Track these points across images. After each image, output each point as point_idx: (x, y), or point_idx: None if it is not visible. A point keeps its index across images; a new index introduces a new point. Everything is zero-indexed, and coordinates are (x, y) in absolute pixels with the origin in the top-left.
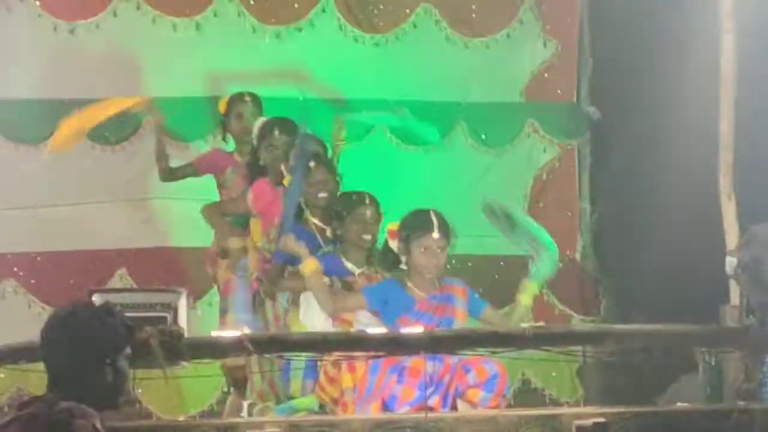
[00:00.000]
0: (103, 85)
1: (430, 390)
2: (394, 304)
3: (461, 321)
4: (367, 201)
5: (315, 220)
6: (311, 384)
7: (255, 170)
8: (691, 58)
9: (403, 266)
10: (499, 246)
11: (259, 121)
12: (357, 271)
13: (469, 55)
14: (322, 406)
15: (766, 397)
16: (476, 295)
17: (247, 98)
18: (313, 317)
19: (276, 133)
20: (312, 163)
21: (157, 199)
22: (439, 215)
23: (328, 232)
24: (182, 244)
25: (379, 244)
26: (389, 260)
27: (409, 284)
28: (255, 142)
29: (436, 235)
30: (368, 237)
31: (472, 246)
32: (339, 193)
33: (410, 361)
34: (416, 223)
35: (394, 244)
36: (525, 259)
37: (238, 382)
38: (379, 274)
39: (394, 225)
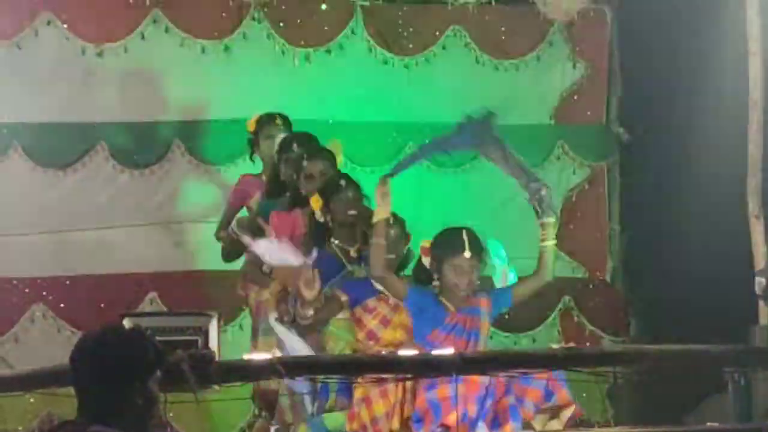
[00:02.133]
0: (131, 109)
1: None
2: (429, 314)
3: (485, 334)
4: (391, 221)
5: (337, 242)
6: (344, 401)
7: (275, 187)
8: (719, 80)
9: (435, 283)
10: (529, 267)
11: (279, 137)
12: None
13: (499, 78)
14: None
15: None
16: (499, 291)
17: (278, 120)
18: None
19: (294, 146)
20: (342, 182)
21: (187, 222)
22: (471, 233)
23: (352, 252)
24: (212, 267)
25: (414, 263)
26: (423, 277)
27: (442, 299)
28: (275, 158)
29: (467, 254)
30: (392, 256)
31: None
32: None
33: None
34: (448, 242)
35: (426, 261)
36: (555, 279)
37: (270, 405)
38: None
39: (426, 242)
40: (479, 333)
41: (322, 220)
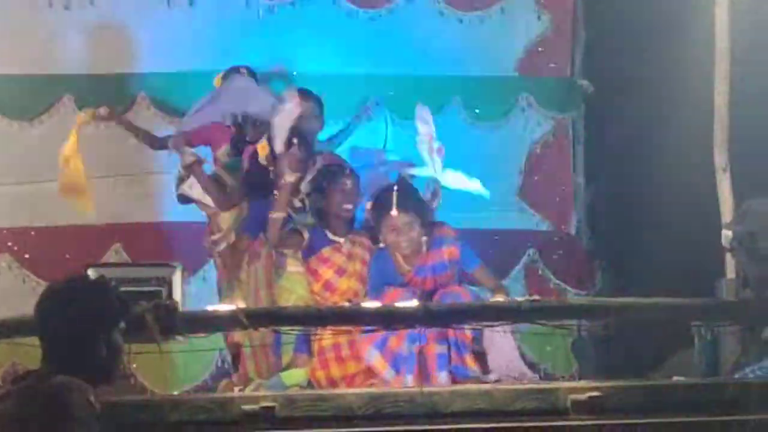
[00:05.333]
0: (97, 61)
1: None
2: (379, 274)
3: (455, 286)
4: (347, 171)
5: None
6: (303, 358)
7: (240, 144)
8: (685, 32)
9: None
10: (493, 220)
11: None
12: (341, 240)
13: (463, 30)
14: (311, 383)
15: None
16: (470, 250)
17: (243, 71)
18: None
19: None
20: (347, 170)
21: (152, 173)
22: (404, 189)
23: (296, 202)
24: (177, 219)
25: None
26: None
27: (397, 256)
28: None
29: (394, 212)
30: (350, 206)
31: (466, 220)
32: (321, 167)
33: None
34: (379, 202)
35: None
36: (519, 232)
37: (235, 357)
38: (365, 239)
39: (369, 203)
40: (446, 286)
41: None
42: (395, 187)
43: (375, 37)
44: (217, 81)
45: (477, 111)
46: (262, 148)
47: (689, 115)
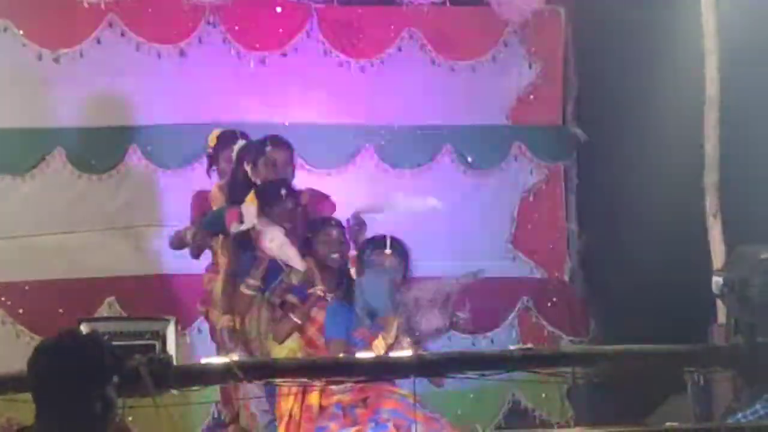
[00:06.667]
0: (88, 114)
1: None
2: (342, 323)
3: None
4: (333, 223)
5: (319, 288)
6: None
7: (235, 188)
8: (675, 78)
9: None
10: (487, 269)
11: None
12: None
13: (454, 79)
14: None
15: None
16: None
17: (239, 137)
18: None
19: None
20: (333, 222)
21: (145, 227)
22: (395, 238)
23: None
24: (171, 272)
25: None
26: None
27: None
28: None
29: (387, 251)
30: (335, 256)
31: (459, 268)
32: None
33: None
34: (371, 242)
35: (354, 271)
36: (512, 280)
37: (234, 411)
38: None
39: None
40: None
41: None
42: (389, 235)
43: (366, 86)
44: (211, 140)
45: (469, 159)
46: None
47: (680, 161)
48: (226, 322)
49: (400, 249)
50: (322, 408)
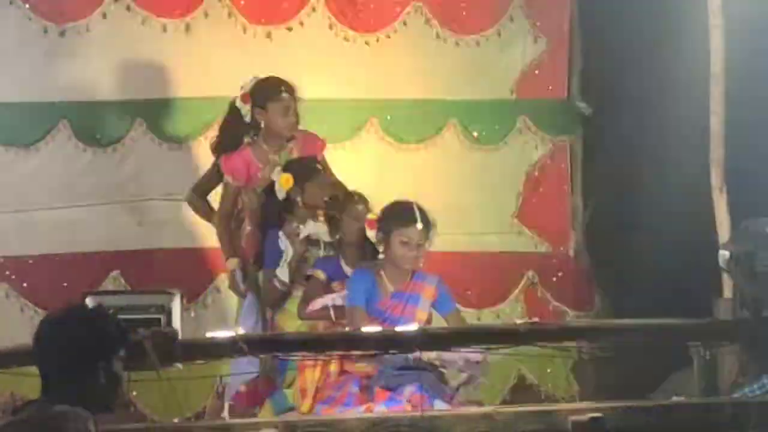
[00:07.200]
0: (94, 87)
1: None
2: (360, 290)
3: (419, 322)
4: (356, 198)
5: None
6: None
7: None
8: (681, 53)
9: (381, 256)
10: (492, 243)
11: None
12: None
13: (459, 53)
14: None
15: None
16: (448, 294)
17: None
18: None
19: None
20: (355, 197)
21: (150, 200)
22: (421, 208)
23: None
24: (175, 246)
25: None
26: (367, 251)
27: (382, 274)
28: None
29: (419, 225)
30: (358, 229)
31: (465, 243)
32: (328, 198)
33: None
34: (399, 214)
35: (371, 234)
36: (518, 254)
37: None
38: None
39: (373, 215)
40: (410, 322)
41: (281, 197)
42: (414, 203)
43: (372, 60)
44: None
45: (474, 134)
46: (285, 180)
47: (686, 135)
48: (234, 265)
49: (425, 219)
50: (343, 372)
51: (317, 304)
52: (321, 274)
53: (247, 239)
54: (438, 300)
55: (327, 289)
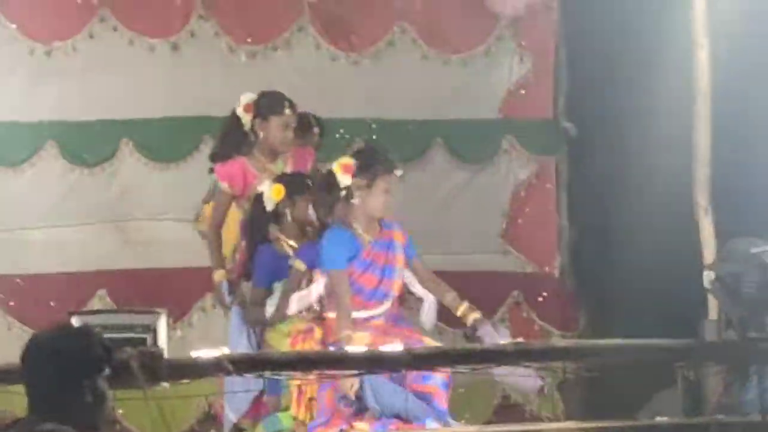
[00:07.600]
0: (80, 107)
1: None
2: (345, 248)
3: (401, 267)
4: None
5: (291, 242)
6: (273, 400)
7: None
8: (666, 72)
9: (355, 200)
10: (477, 263)
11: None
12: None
13: (446, 73)
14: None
15: (748, 409)
16: (410, 237)
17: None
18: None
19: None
20: (309, 181)
21: (137, 220)
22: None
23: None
24: (162, 265)
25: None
26: (332, 195)
27: (356, 227)
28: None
29: (399, 172)
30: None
31: (451, 263)
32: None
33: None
34: (380, 161)
35: (345, 179)
36: (504, 274)
37: None
38: None
39: (347, 160)
40: (394, 268)
41: (269, 209)
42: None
43: (358, 80)
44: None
45: (460, 154)
46: (277, 191)
47: (671, 155)
48: (221, 277)
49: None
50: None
51: (303, 302)
52: (301, 266)
53: (240, 252)
54: (406, 244)
55: (308, 281)
